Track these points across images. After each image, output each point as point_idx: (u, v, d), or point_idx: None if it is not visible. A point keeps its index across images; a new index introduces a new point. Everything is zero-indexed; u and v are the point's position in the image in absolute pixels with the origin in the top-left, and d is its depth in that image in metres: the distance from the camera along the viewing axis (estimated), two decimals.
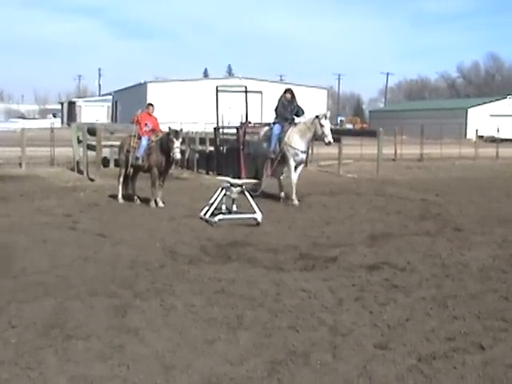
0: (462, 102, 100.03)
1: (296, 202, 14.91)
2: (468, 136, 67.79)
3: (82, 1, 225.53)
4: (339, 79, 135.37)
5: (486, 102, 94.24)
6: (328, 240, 10.84)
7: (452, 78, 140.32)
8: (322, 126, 15.19)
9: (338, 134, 29.65)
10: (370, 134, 34.99)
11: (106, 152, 25.54)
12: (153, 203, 14.71)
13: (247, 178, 22.88)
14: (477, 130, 43.96)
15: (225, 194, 12.98)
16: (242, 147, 23.69)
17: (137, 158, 15.44)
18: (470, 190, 15.97)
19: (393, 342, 5.95)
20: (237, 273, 8.49)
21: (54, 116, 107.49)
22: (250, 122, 25.34)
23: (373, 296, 7.46)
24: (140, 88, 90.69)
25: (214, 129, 26.06)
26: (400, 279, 8.24)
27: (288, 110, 15.64)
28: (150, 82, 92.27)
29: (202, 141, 28.34)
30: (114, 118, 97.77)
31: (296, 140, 15.31)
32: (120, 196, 15.59)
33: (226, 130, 26.35)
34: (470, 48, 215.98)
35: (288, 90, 16.03)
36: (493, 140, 47.73)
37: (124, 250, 9.77)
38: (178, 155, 14.70)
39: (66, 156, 25.53)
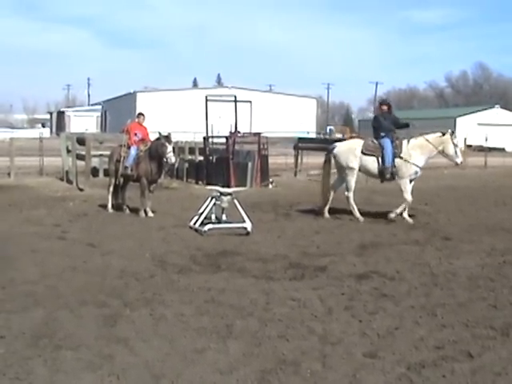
0: (451, 112, 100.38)
1: (409, 219, 14.10)
2: None
3: (71, 11, 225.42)
4: (328, 88, 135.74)
5: (474, 112, 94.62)
6: (317, 249, 10.86)
7: (440, 87, 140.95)
8: (455, 145, 14.63)
9: (327, 144, 29.83)
10: None
11: (95, 162, 25.52)
12: (142, 213, 14.69)
13: (236, 186, 22.98)
14: (465, 139, 44.17)
15: (214, 204, 12.97)
16: (231, 157, 23.79)
17: (125, 168, 15.39)
18: (458, 199, 16.04)
19: (382, 350, 5.97)
20: (226, 282, 8.49)
21: (43, 126, 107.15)
22: (239, 132, 25.46)
23: (362, 305, 7.48)
24: (129, 97, 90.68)
25: (204, 138, 26.13)
26: (389, 288, 8.26)
27: (388, 121, 14.79)
28: (140, 91, 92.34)
29: (192, 150, 28.40)
30: (103, 128, 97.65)
31: (415, 156, 14.43)
32: (110, 206, 15.56)
33: (215, 140, 26.41)
34: (458, 58, 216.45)
35: (384, 103, 15.47)
36: (481, 149, 47.85)
37: (113, 260, 9.75)
38: (172, 159, 14.77)
39: (55, 166, 25.45)
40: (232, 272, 9.09)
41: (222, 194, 13.09)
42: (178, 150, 28.70)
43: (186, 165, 27.68)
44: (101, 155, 26.96)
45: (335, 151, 14.67)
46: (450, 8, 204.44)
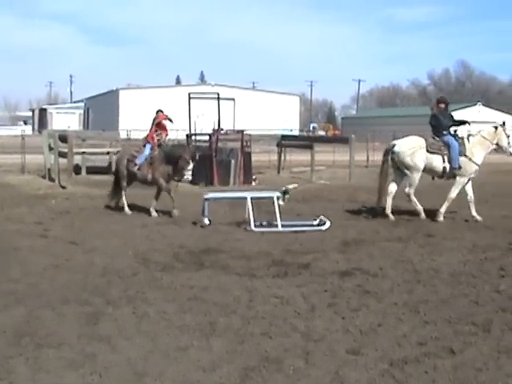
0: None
1: (441, 218, 13.96)
2: None
3: (53, 7, 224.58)
4: (311, 86, 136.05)
5: (456, 109, 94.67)
6: (301, 246, 10.87)
7: (423, 85, 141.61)
8: (508, 136, 14.35)
9: (311, 141, 29.90)
10: (343, 140, 35.16)
11: (77, 159, 25.44)
12: (155, 213, 14.38)
13: (219, 184, 22.99)
14: None
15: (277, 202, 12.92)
16: (214, 154, 23.77)
17: (135, 165, 14.95)
18: (440, 196, 15.99)
19: (365, 347, 5.98)
20: (210, 280, 8.48)
21: (25, 123, 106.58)
22: (222, 129, 25.44)
23: (345, 302, 7.49)
24: (112, 95, 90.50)
25: (187, 136, 26.07)
26: (372, 285, 8.28)
27: (446, 119, 14.63)
28: (122, 88, 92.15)
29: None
30: (85, 125, 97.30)
31: (477, 153, 14.22)
32: (127, 207, 14.91)
33: (198, 137, 26.37)
34: (440, 55, 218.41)
35: (442, 101, 15.06)
36: None
37: (96, 258, 9.71)
38: (188, 177, 14.53)
39: (37, 163, 25.36)
40: (215, 269, 9.08)
41: (285, 192, 13.20)
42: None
43: None
44: (83, 153, 26.93)
45: (397, 150, 14.28)
46: (433, 6, 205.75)
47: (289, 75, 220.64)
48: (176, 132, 45.57)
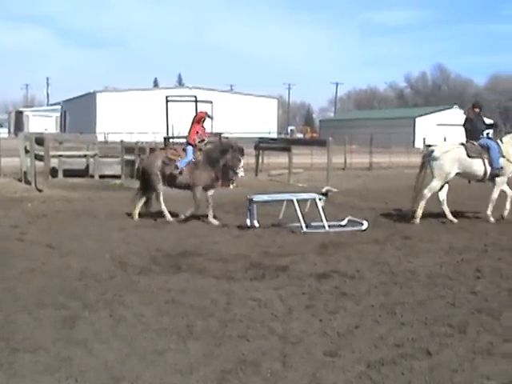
0: (410, 112, 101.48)
1: (492, 219, 14.02)
2: (416, 145, 68.78)
3: (29, 9, 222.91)
4: (289, 89, 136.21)
5: (433, 112, 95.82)
6: (278, 249, 10.87)
7: (400, 87, 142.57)
8: None
9: (288, 144, 29.96)
10: (320, 143, 35.26)
11: (54, 162, 25.30)
12: (214, 221, 13.68)
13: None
14: (424, 139, 44.54)
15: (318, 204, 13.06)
16: None
17: (178, 169, 14.11)
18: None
19: (342, 349, 6.00)
20: (187, 283, 8.46)
21: (1, 126, 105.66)
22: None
23: (322, 304, 7.51)
24: (89, 97, 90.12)
25: (164, 138, 26.07)
26: (349, 287, 8.30)
27: (480, 123, 14.77)
28: (100, 91, 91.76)
29: (152, 151, 28.22)
30: (62, 128, 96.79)
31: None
32: (168, 215, 14.01)
33: (176, 140, 26.36)
34: (417, 59, 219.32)
35: (477, 105, 15.15)
36: None
37: (73, 261, 9.65)
38: (242, 173, 14.01)
39: (14, 166, 25.20)
40: (192, 272, 9.05)
41: (325, 194, 13.36)
42: (139, 150, 28.67)
43: None
44: (60, 156, 26.81)
45: (436, 155, 14.21)
46: (410, 10, 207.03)
47: (267, 78, 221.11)
48: (154, 135, 45.57)
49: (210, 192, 14.14)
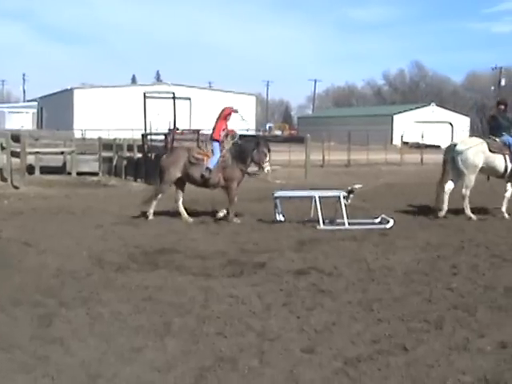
0: (388, 109, 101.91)
1: (507, 215, 14.17)
2: (394, 142, 68.97)
3: (5, 4, 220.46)
4: (268, 86, 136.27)
5: (410, 109, 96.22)
6: (256, 246, 10.88)
7: (378, 85, 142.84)
8: None
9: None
10: (298, 140, 35.36)
11: (31, 159, 25.15)
12: (236, 219, 13.50)
13: None
14: (402, 136, 44.93)
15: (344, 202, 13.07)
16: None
17: (209, 170, 13.63)
18: (395, 195, 16.28)
19: (319, 345, 6.01)
20: (165, 280, 8.44)
21: None
22: (177, 129, 25.35)
23: (300, 301, 7.52)
24: (66, 94, 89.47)
25: (142, 135, 25.95)
26: (327, 284, 8.32)
27: (505, 120, 14.72)
28: (77, 88, 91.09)
29: (130, 148, 28.18)
30: (39, 125, 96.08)
31: None
32: (152, 213, 13.75)
33: (154, 137, 26.28)
34: (395, 56, 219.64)
35: (502, 102, 15.25)
36: (417, 146, 48.68)
37: (49, 259, 9.60)
38: (269, 168, 13.91)
39: None
40: (170, 270, 9.04)
41: (350, 191, 13.30)
42: (117, 147, 28.59)
43: (125, 162, 27.51)
44: (37, 152, 26.65)
45: (460, 149, 14.27)
46: (388, 6, 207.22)
47: (245, 75, 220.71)
48: (132, 132, 45.37)
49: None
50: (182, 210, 13.73)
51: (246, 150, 13.93)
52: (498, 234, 12.10)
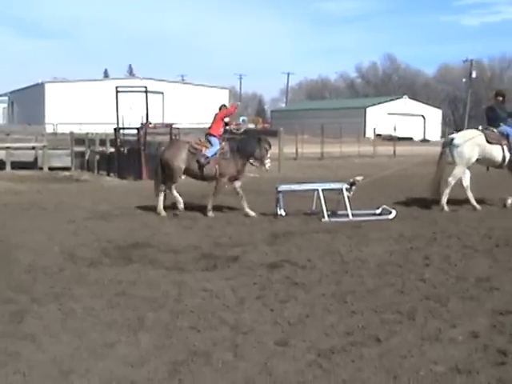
0: (361, 102, 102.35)
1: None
2: (367, 134, 69.42)
3: None
4: (241, 79, 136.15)
5: (383, 102, 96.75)
6: (229, 239, 10.87)
7: (351, 78, 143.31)
8: None
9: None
10: (272, 133, 35.40)
11: (1, 154, 24.93)
12: (211, 213, 13.52)
13: (148, 178, 22.83)
14: (375, 129, 45.12)
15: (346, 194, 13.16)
16: (143, 148, 23.61)
17: (206, 158, 13.82)
18: (367, 187, 16.26)
19: (293, 338, 6.02)
20: (138, 274, 8.41)
21: None
22: (150, 123, 25.28)
23: (274, 294, 7.52)
24: (37, 88, 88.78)
25: (115, 130, 25.83)
26: (300, 276, 8.33)
27: (503, 111, 14.90)
28: (48, 82, 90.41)
29: (103, 142, 28.08)
30: (10, 119, 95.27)
31: None
32: (161, 207, 13.77)
33: (126, 131, 26.17)
34: (368, 49, 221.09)
35: (500, 94, 15.31)
36: (390, 138, 48.95)
37: (21, 254, 9.51)
38: (269, 164, 14.12)
39: None
40: (143, 264, 9.00)
41: (352, 183, 13.40)
42: (89, 142, 28.43)
43: (97, 157, 27.39)
44: (7, 148, 26.42)
45: (458, 142, 14.44)
46: (361, 0, 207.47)
47: (218, 68, 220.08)
48: (105, 126, 45.11)
49: (238, 183, 14.08)
50: (160, 202, 13.75)
51: (247, 145, 14.14)
52: (469, 224, 12.19)
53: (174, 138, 24.29)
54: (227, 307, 7.02)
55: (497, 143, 14.42)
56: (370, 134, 64.07)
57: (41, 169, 27.54)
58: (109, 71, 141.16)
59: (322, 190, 13.26)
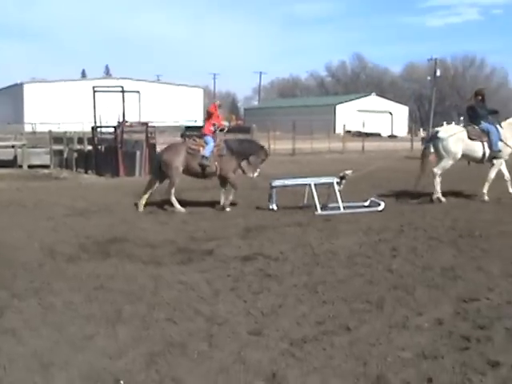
0: (331, 99, 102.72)
1: (486, 197, 14.59)
2: (336, 131, 69.47)
3: None
4: (214, 78, 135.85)
5: (352, 99, 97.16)
6: (204, 234, 10.85)
7: (321, 76, 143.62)
8: None
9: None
10: (245, 130, 35.42)
11: None
12: (228, 208, 13.55)
13: (125, 175, 22.77)
14: (344, 126, 45.21)
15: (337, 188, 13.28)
16: (119, 146, 23.53)
17: (204, 158, 13.76)
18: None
19: (266, 328, 6.03)
20: (116, 269, 8.37)
21: None
22: (127, 122, 25.20)
23: (247, 285, 7.53)
24: (16, 89, 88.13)
25: (92, 128, 25.74)
26: (273, 268, 8.34)
27: (483, 110, 15.14)
28: (27, 82, 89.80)
29: (80, 140, 27.90)
30: None
31: (509, 137, 14.95)
32: (179, 206, 13.51)
33: (103, 130, 26.09)
34: (337, 49, 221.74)
35: (479, 93, 15.49)
36: (359, 134, 49.19)
37: (1, 251, 9.42)
38: (257, 174, 14.27)
39: None
40: (121, 258, 8.96)
41: (342, 177, 13.49)
42: (67, 140, 28.24)
43: (75, 154, 27.25)
44: None
45: (442, 136, 14.67)
46: (330, 1, 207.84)
47: (193, 68, 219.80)
48: (82, 125, 44.81)
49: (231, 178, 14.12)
50: (144, 199, 13.71)
51: (248, 148, 14.31)
52: (435, 217, 12.27)
53: (149, 135, 24.21)
54: (202, 299, 7.01)
55: (478, 139, 14.70)
56: (339, 130, 64.14)
57: (20, 167, 27.32)
58: (86, 71, 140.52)
59: (314, 184, 13.33)
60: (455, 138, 14.60)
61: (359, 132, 51.00)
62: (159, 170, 14.03)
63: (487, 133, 14.71)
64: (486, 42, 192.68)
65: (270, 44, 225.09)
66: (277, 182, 13.82)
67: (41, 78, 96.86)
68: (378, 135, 71.18)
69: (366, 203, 13.68)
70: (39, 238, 10.41)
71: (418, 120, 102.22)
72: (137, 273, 8.15)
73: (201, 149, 13.86)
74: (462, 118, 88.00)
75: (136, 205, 13.63)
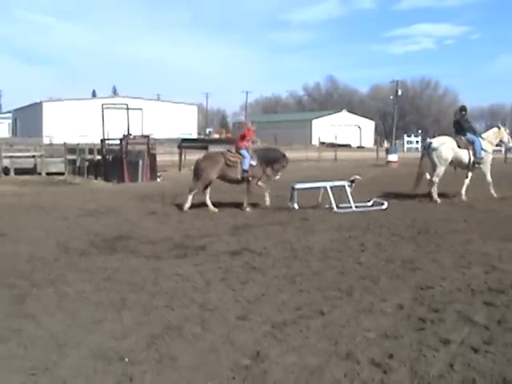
0: (308, 115, 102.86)
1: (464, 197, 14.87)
2: (313, 142, 69.60)
3: None
4: (207, 97, 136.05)
5: (326, 115, 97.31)
6: (198, 232, 10.83)
7: (299, 95, 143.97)
8: (509, 134, 15.85)
9: (206, 143, 29.98)
10: (234, 141, 35.37)
11: (6, 162, 24.56)
12: (247, 208, 13.48)
13: (129, 181, 22.69)
14: (319, 138, 45.35)
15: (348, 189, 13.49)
16: (124, 156, 23.53)
17: (244, 171, 13.71)
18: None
19: (251, 313, 6.03)
20: (121, 262, 8.34)
21: None
22: (131, 135, 25.21)
23: (235, 277, 7.52)
24: (36, 107, 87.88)
25: (101, 140, 25.72)
26: (258, 262, 8.33)
27: (467, 124, 15.43)
28: (46, 101, 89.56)
29: (91, 151, 27.87)
30: (14, 133, 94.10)
31: (489, 147, 15.31)
32: (188, 205, 13.49)
33: (111, 142, 26.06)
34: (313, 72, 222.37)
35: (463, 109, 15.71)
36: (332, 145, 49.21)
37: (22, 247, 9.36)
38: (279, 176, 14.36)
39: None
40: (126, 253, 8.92)
41: (352, 181, 13.68)
42: (79, 151, 28.16)
43: (87, 163, 27.22)
44: (11, 156, 26.06)
45: (435, 146, 14.95)
46: (307, 31, 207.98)
47: (188, 88, 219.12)
48: (93, 138, 44.60)
49: (260, 183, 14.14)
50: (189, 201, 13.53)
51: (274, 156, 14.33)
52: (397, 216, 12.31)
53: (150, 146, 24.20)
54: (196, 288, 7.00)
55: (465, 148, 14.99)
56: (315, 141, 64.35)
57: (39, 174, 27.19)
58: (96, 91, 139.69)
59: (330, 187, 13.54)
60: (446, 146, 14.87)
61: (332, 143, 50.96)
62: (195, 174, 13.91)
63: (472, 142, 15.02)
64: (439, 67, 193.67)
65: (255, 67, 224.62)
66: (298, 185, 13.92)
67: (57, 98, 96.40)
68: (349, 146, 71.37)
69: (370, 203, 13.81)
70: (55, 236, 10.36)
71: (382, 133, 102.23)
72: (139, 266, 8.12)
73: (238, 161, 13.73)
74: (420, 131, 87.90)
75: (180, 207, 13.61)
